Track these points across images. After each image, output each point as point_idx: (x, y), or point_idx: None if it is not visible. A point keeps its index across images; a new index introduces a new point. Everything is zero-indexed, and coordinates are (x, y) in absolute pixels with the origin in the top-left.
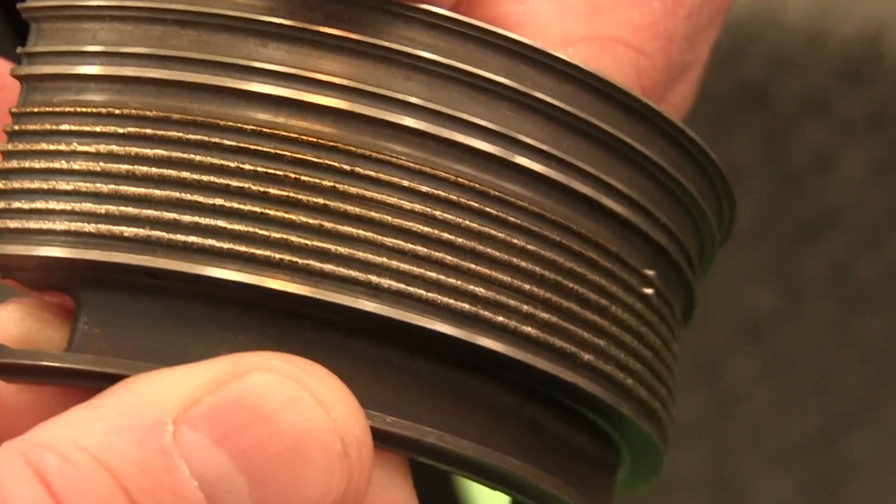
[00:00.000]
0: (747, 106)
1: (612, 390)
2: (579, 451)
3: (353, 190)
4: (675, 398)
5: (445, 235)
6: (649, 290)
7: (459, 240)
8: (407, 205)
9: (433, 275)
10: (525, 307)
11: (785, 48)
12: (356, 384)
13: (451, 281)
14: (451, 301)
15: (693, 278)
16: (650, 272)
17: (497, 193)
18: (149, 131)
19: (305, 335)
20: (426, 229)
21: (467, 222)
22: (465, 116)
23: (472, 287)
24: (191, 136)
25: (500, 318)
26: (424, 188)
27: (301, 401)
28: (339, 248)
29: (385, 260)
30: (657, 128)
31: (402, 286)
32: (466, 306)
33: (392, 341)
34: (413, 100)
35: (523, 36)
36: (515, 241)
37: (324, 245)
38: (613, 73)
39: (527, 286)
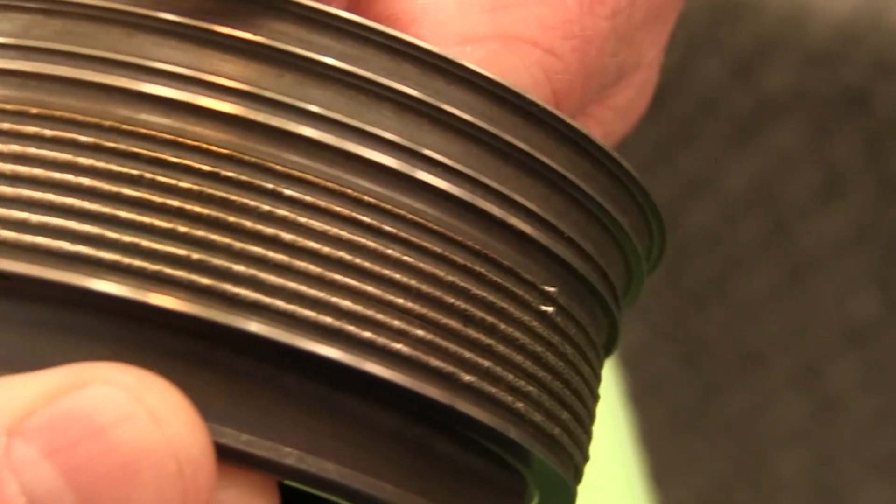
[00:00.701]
0: (849, 110)
1: (498, 414)
2: (479, 476)
3: (242, 201)
4: (585, 423)
5: (314, 245)
6: (549, 308)
7: (326, 248)
8: (301, 220)
9: (294, 286)
10: (396, 323)
11: (887, 52)
12: (215, 399)
13: (314, 293)
14: (314, 314)
15: (613, 296)
16: (551, 288)
17: (390, 207)
18: (5, 126)
19: (165, 344)
20: (311, 244)
21: (335, 230)
22: (366, 127)
23: (335, 300)
24: (48, 133)
25: (367, 334)
26: (319, 202)
27: (135, 417)
28: (218, 261)
29: (273, 277)
30: (566, 139)
31: (281, 304)
32: (329, 320)
33: (258, 355)
34: (312, 108)
35: (420, 32)
36: (390, 251)
37: (201, 257)
38: (519, 75)
39: (399, 300)
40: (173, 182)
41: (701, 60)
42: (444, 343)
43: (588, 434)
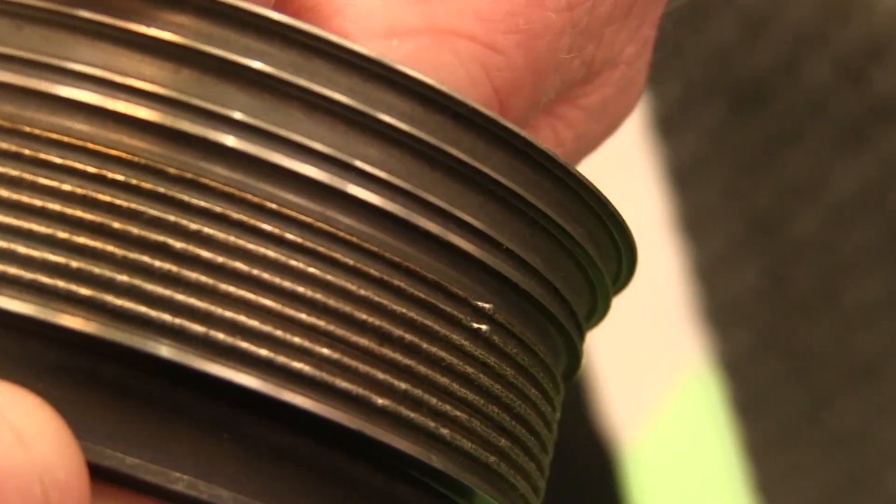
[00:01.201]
0: None
1: (419, 441)
2: (403, 500)
3: (128, 206)
4: (533, 449)
5: (206, 255)
6: (483, 326)
7: (219, 258)
8: (192, 227)
9: (182, 298)
10: (297, 340)
11: None
12: (102, 418)
13: (205, 306)
14: (203, 329)
15: (569, 313)
16: (486, 305)
17: (294, 214)
18: None
19: (49, 358)
20: (202, 253)
21: (230, 238)
22: (293, 137)
23: (228, 314)
24: None
25: (263, 352)
26: (213, 207)
27: None
28: (100, 269)
29: (159, 289)
30: (502, 142)
31: (168, 318)
32: (220, 335)
33: (149, 372)
34: (237, 115)
35: (344, 25)
36: (293, 262)
37: (81, 265)
38: (453, 72)
39: (302, 315)
40: (54, 184)
41: (808, 60)
42: (353, 363)
43: (538, 461)
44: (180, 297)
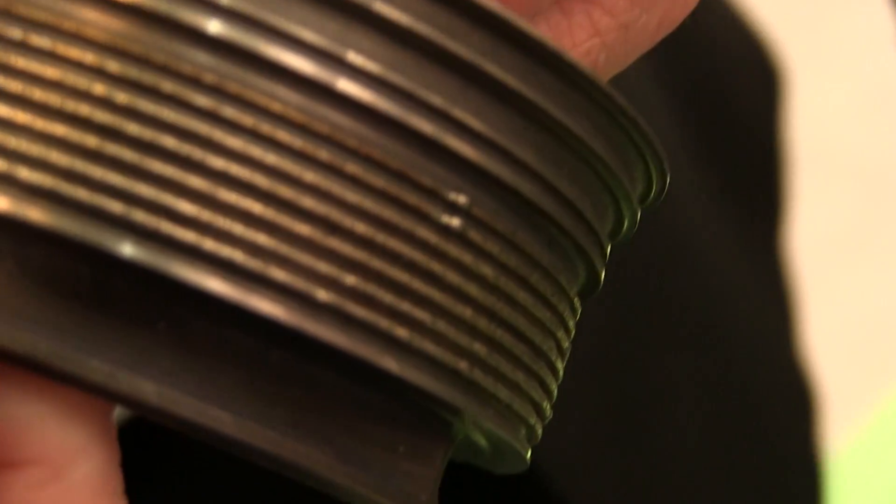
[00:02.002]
0: None
1: (369, 340)
2: (373, 408)
3: (138, 105)
4: (522, 357)
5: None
6: (455, 221)
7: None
8: (202, 130)
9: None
10: (227, 225)
11: None
12: (26, 303)
13: (127, 183)
14: (126, 209)
15: (575, 215)
16: (460, 198)
17: (238, 90)
18: None
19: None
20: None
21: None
22: (281, 25)
23: (155, 195)
24: None
25: (191, 236)
26: (223, 111)
27: None
28: (98, 172)
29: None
30: (507, 37)
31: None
32: (141, 217)
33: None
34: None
35: None
36: (230, 140)
37: (79, 167)
38: None
39: (232, 198)
40: (15, 63)
41: None
42: (293, 253)
43: (533, 372)
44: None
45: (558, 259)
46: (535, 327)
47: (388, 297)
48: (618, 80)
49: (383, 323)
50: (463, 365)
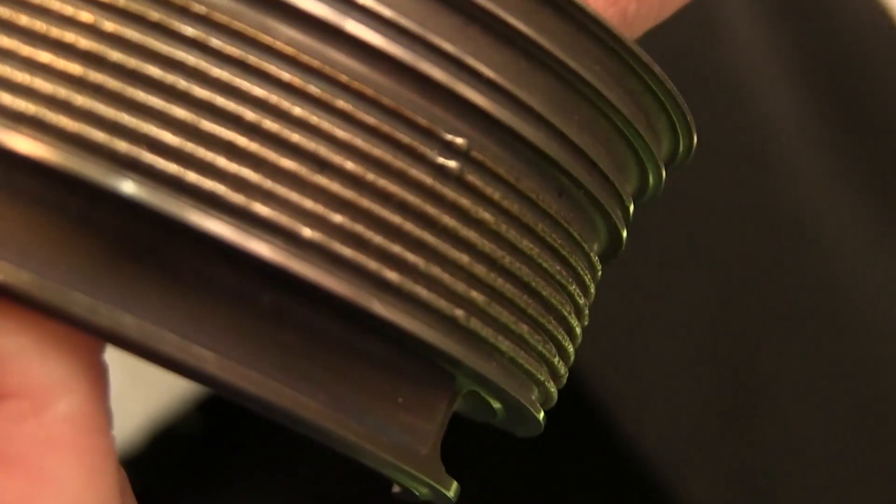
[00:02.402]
0: None
1: (357, 282)
2: (370, 356)
3: (124, 33)
4: (528, 309)
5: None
6: (452, 163)
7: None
8: (188, 59)
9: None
10: (209, 158)
11: None
12: (11, 232)
13: (113, 112)
14: (108, 137)
15: (589, 166)
16: (458, 139)
17: (227, 21)
18: None
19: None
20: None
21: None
22: None
23: (136, 124)
24: None
25: (173, 168)
26: (210, 41)
27: None
28: (80, 100)
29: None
30: None
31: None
32: (124, 147)
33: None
34: None
35: None
36: (216, 71)
37: (62, 95)
38: None
39: (222, 131)
40: (57, 7)
41: None
42: (279, 189)
43: (540, 325)
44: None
45: (571, 210)
46: (541, 278)
47: (377, 238)
48: (736, 48)
49: (372, 265)
50: (459, 313)
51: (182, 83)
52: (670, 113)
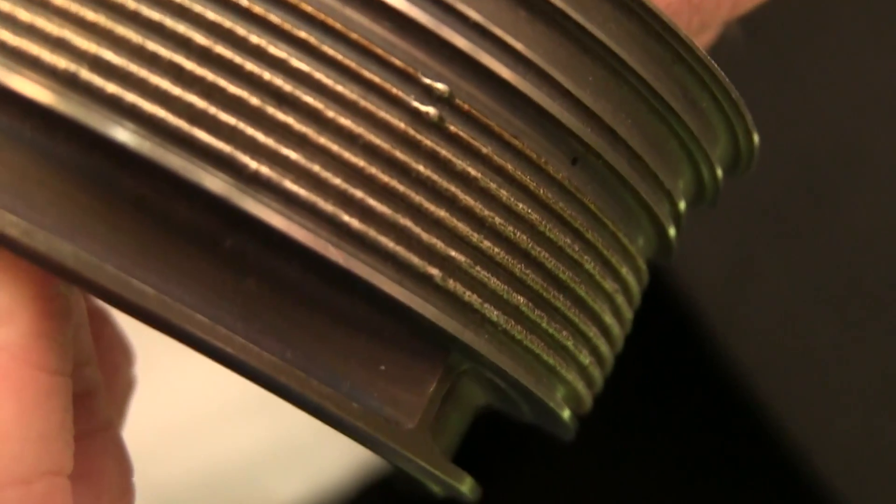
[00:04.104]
0: None
1: (311, 225)
2: (350, 316)
3: None
4: (507, 273)
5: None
6: (430, 109)
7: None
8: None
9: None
10: (156, 84)
11: None
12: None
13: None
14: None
15: (616, 149)
16: (439, 85)
17: None
18: None
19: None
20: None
21: None
22: None
23: (67, 35)
24: None
25: (113, 88)
26: None
27: None
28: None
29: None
30: None
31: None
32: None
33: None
34: None
35: None
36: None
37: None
38: None
39: (176, 58)
40: None
41: None
42: (224, 119)
43: (541, 300)
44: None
45: (588, 181)
46: (544, 248)
47: (335, 180)
48: None
49: (328, 207)
50: (434, 271)
51: (131, 4)
52: (721, 102)
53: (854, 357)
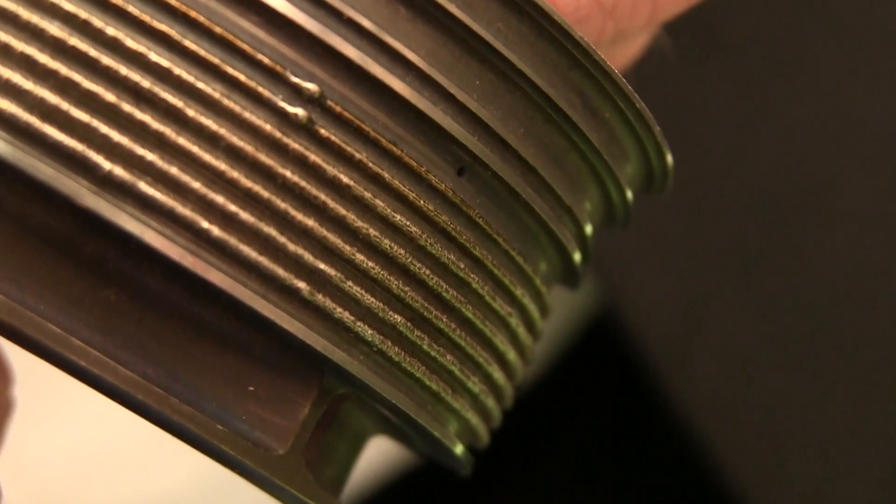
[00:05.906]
0: None
1: (168, 228)
2: (217, 332)
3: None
4: (376, 284)
5: None
6: (297, 110)
7: None
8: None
9: None
10: (8, 74)
11: None
12: None
13: None
14: None
15: (504, 160)
16: (308, 85)
17: None
18: None
19: None
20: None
21: None
22: None
23: None
24: None
25: None
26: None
27: None
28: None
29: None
30: None
31: None
32: None
33: None
34: None
35: None
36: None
37: None
38: None
39: (16, 46)
40: None
41: None
42: (75, 113)
43: (421, 319)
44: None
45: (476, 195)
46: (425, 264)
47: (195, 184)
48: None
49: (186, 212)
50: (301, 285)
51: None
52: (626, 114)
53: (809, 405)
